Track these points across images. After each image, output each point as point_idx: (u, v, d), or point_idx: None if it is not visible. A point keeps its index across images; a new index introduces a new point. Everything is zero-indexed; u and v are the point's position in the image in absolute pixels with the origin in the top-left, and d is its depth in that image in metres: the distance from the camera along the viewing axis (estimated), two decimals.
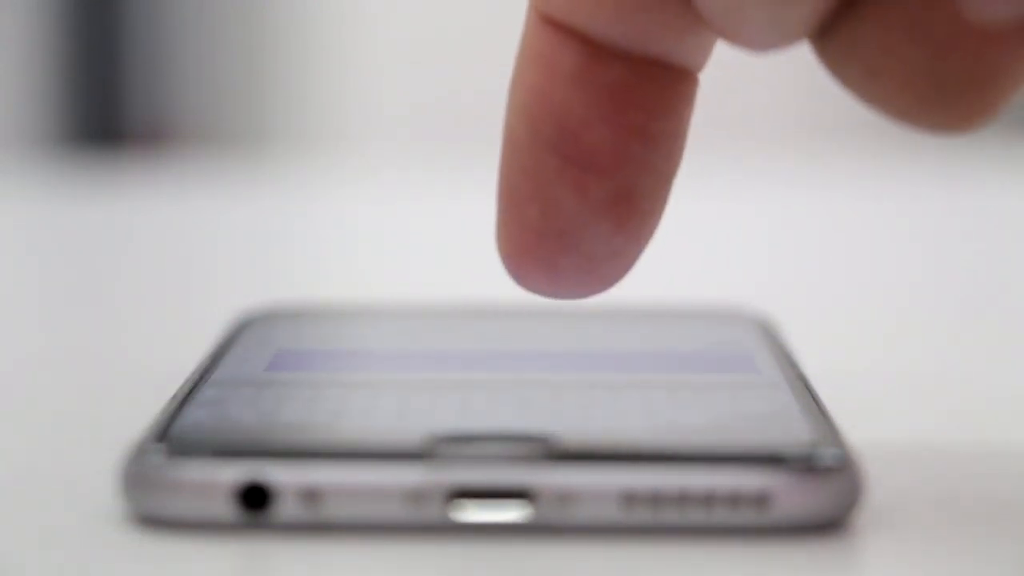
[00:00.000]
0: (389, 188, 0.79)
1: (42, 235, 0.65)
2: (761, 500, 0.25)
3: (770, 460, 0.25)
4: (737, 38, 0.24)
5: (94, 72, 1.67)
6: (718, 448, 0.26)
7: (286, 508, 0.25)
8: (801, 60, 0.27)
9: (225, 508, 0.25)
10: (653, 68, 0.26)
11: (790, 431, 0.27)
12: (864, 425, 0.29)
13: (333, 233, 0.65)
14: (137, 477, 0.26)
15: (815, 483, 0.25)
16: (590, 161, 0.26)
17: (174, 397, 0.29)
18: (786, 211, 0.69)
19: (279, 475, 0.25)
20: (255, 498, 0.25)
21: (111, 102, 1.68)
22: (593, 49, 0.25)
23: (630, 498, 0.25)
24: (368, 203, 0.72)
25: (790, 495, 0.25)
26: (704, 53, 0.26)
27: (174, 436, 0.26)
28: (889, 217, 0.67)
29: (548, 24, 0.25)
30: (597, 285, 0.27)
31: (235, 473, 0.25)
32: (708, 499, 0.25)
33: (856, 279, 0.53)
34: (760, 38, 0.24)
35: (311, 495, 0.25)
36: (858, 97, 0.24)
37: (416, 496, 0.25)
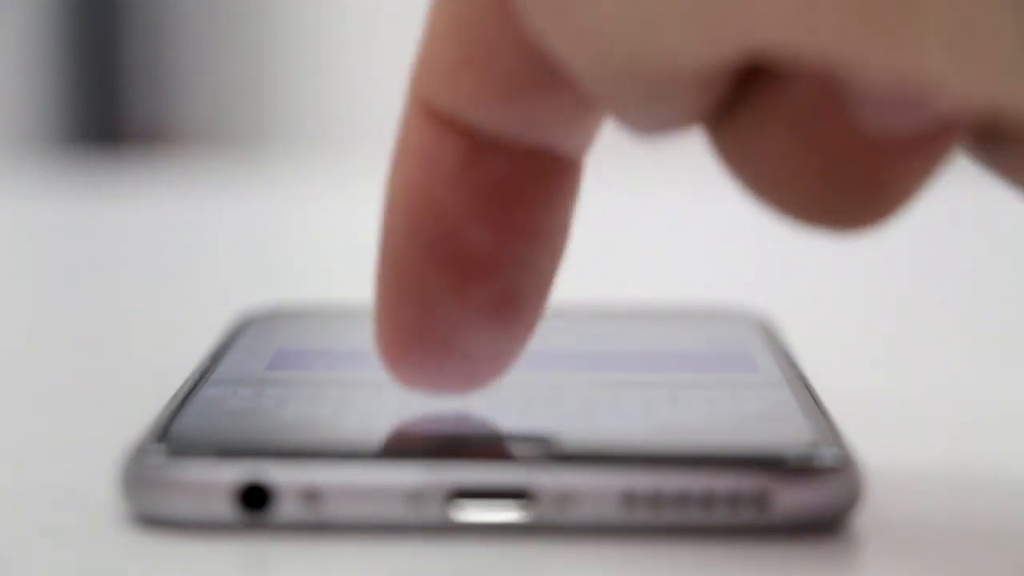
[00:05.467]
0: None
1: (42, 235, 0.65)
2: (761, 500, 0.25)
3: (770, 460, 0.25)
4: (624, 124, 0.23)
5: (94, 72, 1.67)
6: (718, 448, 0.26)
7: (286, 508, 0.25)
8: None
9: (225, 508, 0.25)
10: (538, 161, 0.25)
11: (790, 431, 0.27)
12: (864, 425, 0.29)
13: (333, 233, 0.65)
14: (137, 477, 0.26)
15: (815, 483, 0.25)
16: (472, 264, 0.25)
17: (174, 397, 0.29)
18: None
19: (279, 475, 0.25)
20: (255, 498, 0.25)
21: (111, 102, 1.68)
22: (476, 143, 0.24)
23: (630, 498, 0.25)
24: (368, 203, 0.72)
25: (790, 495, 0.25)
26: (589, 139, 0.25)
27: (174, 436, 0.26)
28: None
29: (429, 116, 0.24)
30: (476, 384, 0.26)
31: (235, 473, 0.25)
32: (708, 499, 0.25)
33: (856, 279, 0.53)
34: (642, 126, 0.23)
35: (311, 495, 0.25)
36: (748, 193, 0.23)
37: (416, 496, 0.25)
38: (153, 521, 0.26)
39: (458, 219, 0.25)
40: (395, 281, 0.25)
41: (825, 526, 0.25)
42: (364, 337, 0.36)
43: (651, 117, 0.23)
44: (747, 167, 0.22)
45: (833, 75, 0.21)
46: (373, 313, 0.26)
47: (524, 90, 0.24)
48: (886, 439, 0.31)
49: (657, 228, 0.65)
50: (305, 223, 0.67)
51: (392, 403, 0.28)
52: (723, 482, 0.25)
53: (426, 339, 0.25)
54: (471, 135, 0.24)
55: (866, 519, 0.26)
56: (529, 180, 0.25)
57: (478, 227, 0.25)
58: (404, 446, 0.26)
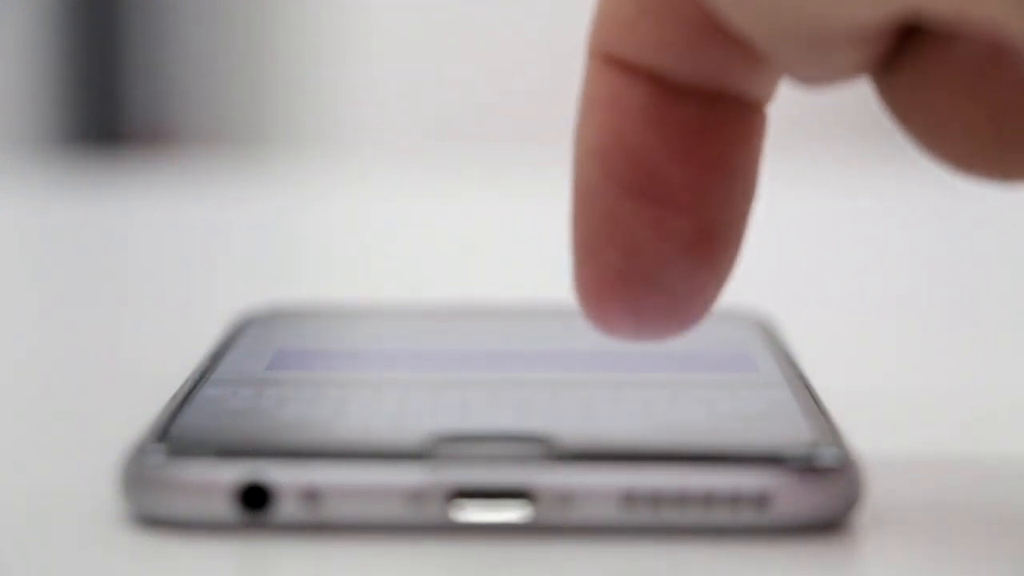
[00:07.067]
0: (389, 188, 0.79)
1: (42, 235, 0.65)
2: (761, 500, 0.25)
3: (770, 460, 0.25)
4: (792, 76, 0.24)
5: (94, 72, 1.67)
6: (718, 448, 0.26)
7: (286, 508, 0.25)
8: None
9: (225, 508, 0.25)
10: (723, 103, 0.25)
11: (790, 431, 0.27)
12: (864, 425, 0.29)
13: (333, 233, 0.65)
14: (137, 477, 0.26)
15: (815, 483, 0.25)
16: (669, 198, 0.25)
17: (174, 397, 0.29)
18: (786, 211, 0.69)
19: (279, 475, 0.25)
20: (255, 498, 0.25)
21: (111, 102, 1.68)
22: (663, 87, 0.25)
23: (630, 498, 0.25)
24: (368, 203, 0.72)
25: (790, 495, 0.25)
26: (772, 85, 0.26)
27: (174, 436, 0.26)
28: (891, 217, 0.67)
29: (612, 65, 0.25)
30: (680, 324, 0.27)
31: (235, 473, 0.25)
32: (708, 499, 0.25)
33: (856, 279, 0.53)
34: (809, 78, 0.24)
35: (311, 495, 0.25)
36: (916, 143, 0.23)
37: (416, 496, 0.25)
38: (153, 521, 0.26)
39: (653, 157, 0.25)
40: (595, 224, 0.26)
41: (825, 526, 0.25)
42: (364, 337, 0.36)
43: (817, 70, 0.23)
44: (915, 118, 0.23)
45: (997, 36, 0.21)
46: (572, 262, 0.26)
47: (700, 41, 0.25)
48: (886, 439, 0.31)
49: None
50: (305, 223, 0.67)
51: (392, 403, 0.28)
52: (723, 482, 0.25)
53: (630, 277, 0.26)
54: (657, 80, 0.25)
55: (866, 519, 0.26)
56: (718, 120, 0.25)
57: (673, 163, 0.25)
58: (404, 446, 0.26)
